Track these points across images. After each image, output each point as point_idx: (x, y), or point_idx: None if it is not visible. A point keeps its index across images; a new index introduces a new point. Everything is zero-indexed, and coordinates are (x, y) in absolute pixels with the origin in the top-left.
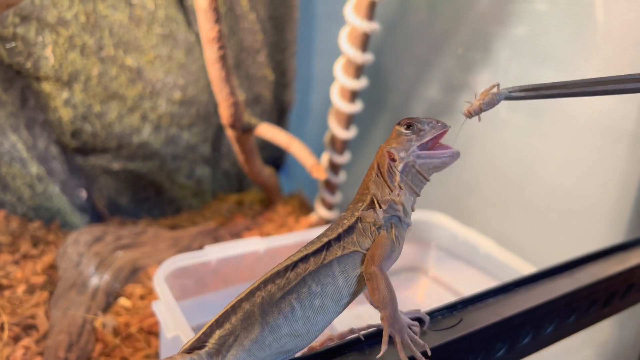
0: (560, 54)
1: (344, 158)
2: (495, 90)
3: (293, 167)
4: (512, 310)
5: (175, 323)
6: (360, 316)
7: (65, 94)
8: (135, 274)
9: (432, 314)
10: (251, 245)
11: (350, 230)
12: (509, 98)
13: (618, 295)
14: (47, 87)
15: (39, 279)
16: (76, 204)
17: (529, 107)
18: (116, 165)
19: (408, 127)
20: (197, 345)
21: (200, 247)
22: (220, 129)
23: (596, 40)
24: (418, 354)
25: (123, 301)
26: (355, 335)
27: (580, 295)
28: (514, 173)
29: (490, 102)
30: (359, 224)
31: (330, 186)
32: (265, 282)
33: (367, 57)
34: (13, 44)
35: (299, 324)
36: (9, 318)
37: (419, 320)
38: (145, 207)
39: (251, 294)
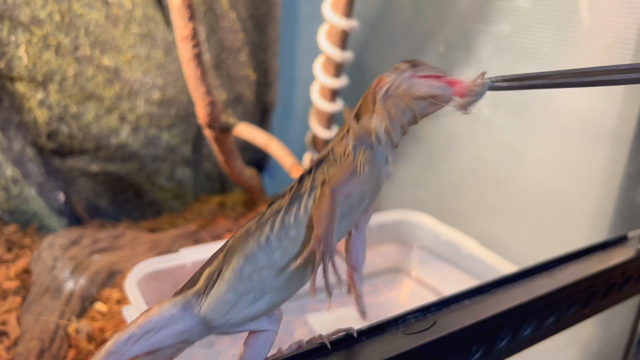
0: (542, 50)
1: None
2: (480, 80)
3: (276, 169)
4: (488, 311)
5: None
6: (341, 318)
7: (40, 95)
8: (113, 278)
9: (405, 316)
10: None
11: (320, 162)
12: (492, 88)
13: (599, 295)
14: (21, 87)
15: (12, 284)
16: (54, 206)
17: (511, 105)
18: (94, 167)
19: (409, 63)
20: (188, 286)
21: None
22: (201, 129)
23: (579, 37)
24: (329, 283)
25: (99, 306)
26: (322, 341)
27: (560, 296)
28: (497, 172)
29: (477, 93)
30: (330, 155)
31: None
32: (247, 222)
33: (347, 55)
34: None
35: (277, 254)
36: None
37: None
38: (125, 210)
39: (234, 234)
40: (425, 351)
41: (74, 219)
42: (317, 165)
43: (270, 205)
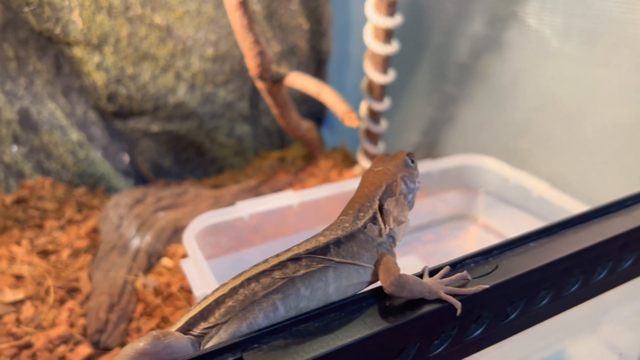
0: None
1: (383, 105)
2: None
3: (335, 120)
4: (556, 254)
5: (204, 280)
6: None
7: (96, 58)
8: (177, 234)
9: (464, 261)
10: (284, 199)
11: (351, 238)
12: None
13: None
14: (78, 52)
15: (83, 243)
16: (119, 168)
17: (583, 33)
18: (155, 127)
19: (412, 160)
20: (183, 332)
21: None
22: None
23: None
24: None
25: (165, 261)
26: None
27: (638, 235)
28: (568, 108)
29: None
30: (361, 235)
31: (371, 136)
32: (248, 280)
33: None
34: (32, 6)
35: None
36: (54, 282)
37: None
38: (188, 169)
39: (234, 290)
40: (487, 296)
41: (140, 180)
42: (346, 239)
43: (281, 266)
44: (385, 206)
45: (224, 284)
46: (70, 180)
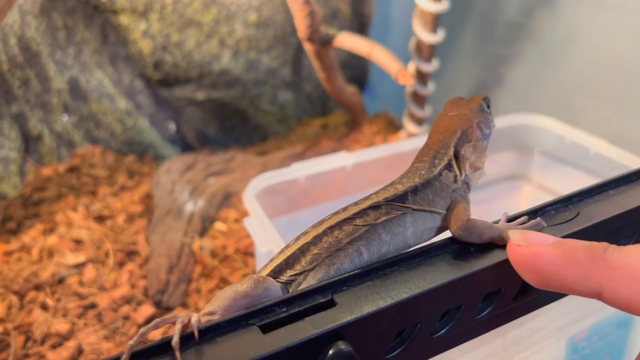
0: None
1: (432, 66)
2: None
3: (377, 86)
4: (637, 201)
5: (268, 237)
6: None
7: (142, 25)
8: (228, 199)
9: (544, 208)
10: (338, 160)
11: (427, 185)
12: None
13: None
14: (124, 19)
15: (137, 208)
16: (166, 136)
17: None
18: (200, 95)
19: (488, 105)
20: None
21: None
22: (299, 50)
23: None
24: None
25: (218, 225)
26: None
27: None
28: (626, 63)
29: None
30: (437, 182)
31: (418, 99)
32: (331, 228)
33: None
34: None
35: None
36: (112, 245)
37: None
38: (232, 136)
39: (318, 238)
40: None
41: (186, 148)
42: (423, 186)
43: (363, 214)
44: (462, 152)
45: (305, 233)
46: (119, 149)
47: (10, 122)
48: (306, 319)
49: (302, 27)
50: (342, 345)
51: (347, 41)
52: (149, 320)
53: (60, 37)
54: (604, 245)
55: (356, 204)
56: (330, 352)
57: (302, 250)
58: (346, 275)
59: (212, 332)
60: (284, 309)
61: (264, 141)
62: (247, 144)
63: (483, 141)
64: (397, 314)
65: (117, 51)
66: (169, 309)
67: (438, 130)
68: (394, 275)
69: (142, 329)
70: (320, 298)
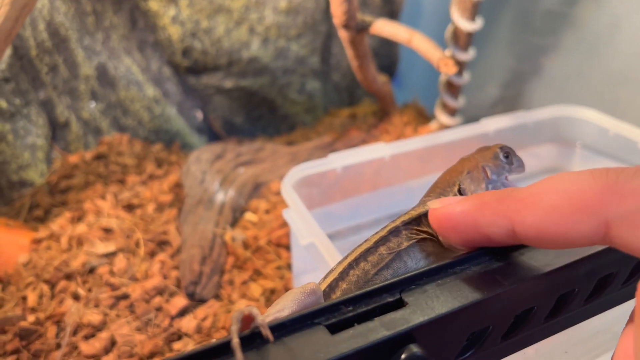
0: None
1: (468, 55)
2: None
3: (406, 75)
4: None
5: (309, 229)
6: None
7: (172, 11)
8: (258, 189)
9: None
10: (376, 151)
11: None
12: None
13: None
14: (154, 5)
15: (167, 197)
16: (193, 125)
17: None
18: (228, 83)
19: (506, 156)
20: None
21: None
22: (328, 38)
23: None
24: None
25: (249, 216)
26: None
27: None
28: None
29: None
30: None
31: (453, 89)
32: (356, 261)
33: None
34: None
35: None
36: (143, 235)
37: None
38: (259, 126)
39: (345, 273)
40: None
41: (213, 137)
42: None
43: (385, 241)
44: (462, 185)
45: (331, 270)
46: (146, 137)
47: (38, 108)
48: (375, 319)
49: (338, 13)
50: (414, 349)
51: (385, 28)
52: (182, 312)
53: (89, 23)
54: (510, 188)
55: (376, 233)
56: (403, 356)
57: (331, 287)
58: (414, 272)
59: (279, 330)
60: (350, 308)
61: (291, 131)
62: (274, 133)
63: (488, 185)
64: (470, 316)
65: (146, 37)
66: (202, 301)
67: (449, 171)
68: (465, 273)
69: (233, 327)
70: (388, 297)
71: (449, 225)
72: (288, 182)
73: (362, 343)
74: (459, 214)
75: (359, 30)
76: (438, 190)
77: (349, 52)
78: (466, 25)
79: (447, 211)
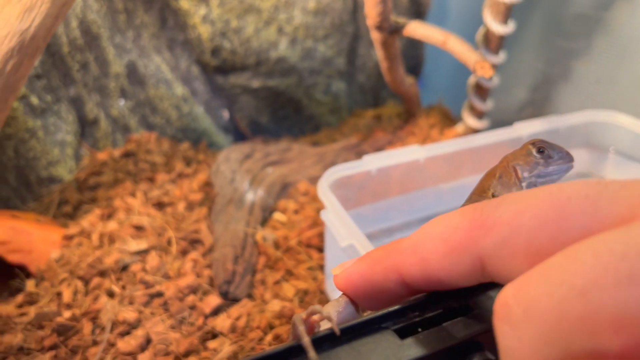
0: None
1: (499, 58)
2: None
3: (431, 77)
4: None
5: (349, 231)
6: None
7: (202, 10)
8: (286, 189)
9: None
10: (411, 153)
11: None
12: None
13: None
14: (184, 4)
15: (197, 196)
16: (220, 124)
17: None
18: (255, 83)
19: (539, 150)
20: None
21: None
22: (354, 39)
23: None
24: None
25: (278, 216)
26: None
27: None
28: None
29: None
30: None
31: (481, 91)
32: None
33: None
34: None
35: None
36: (175, 233)
37: None
38: (285, 126)
39: None
40: None
41: (239, 136)
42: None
43: None
44: (494, 192)
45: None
46: (174, 135)
47: (68, 105)
48: (443, 324)
49: (373, 14)
50: (488, 355)
51: (419, 30)
52: (216, 311)
53: (120, 21)
54: (397, 240)
55: None
56: None
57: None
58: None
59: (348, 333)
60: (417, 313)
61: (316, 131)
62: (299, 134)
63: (520, 185)
64: None
65: (175, 36)
66: (235, 300)
67: (486, 175)
68: None
69: (300, 327)
70: (453, 303)
71: (352, 290)
72: (325, 183)
73: (432, 349)
74: (356, 277)
75: (391, 32)
76: (474, 197)
77: (379, 53)
78: (499, 28)
79: (345, 275)
